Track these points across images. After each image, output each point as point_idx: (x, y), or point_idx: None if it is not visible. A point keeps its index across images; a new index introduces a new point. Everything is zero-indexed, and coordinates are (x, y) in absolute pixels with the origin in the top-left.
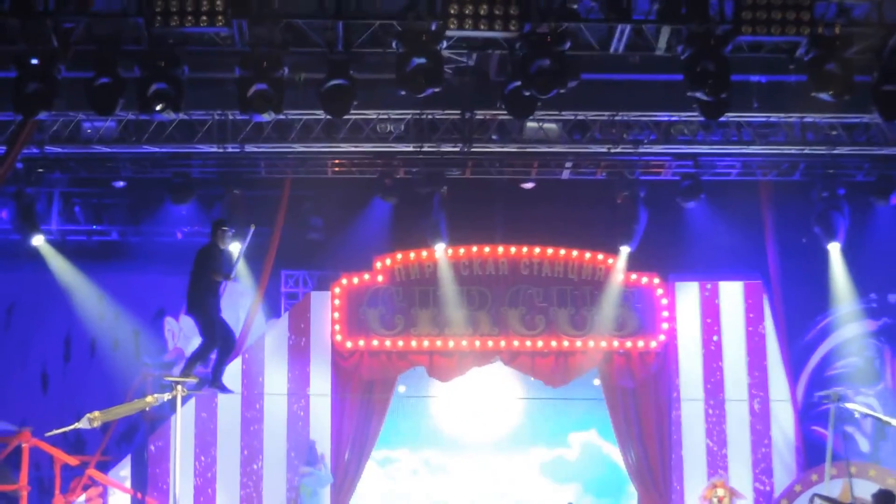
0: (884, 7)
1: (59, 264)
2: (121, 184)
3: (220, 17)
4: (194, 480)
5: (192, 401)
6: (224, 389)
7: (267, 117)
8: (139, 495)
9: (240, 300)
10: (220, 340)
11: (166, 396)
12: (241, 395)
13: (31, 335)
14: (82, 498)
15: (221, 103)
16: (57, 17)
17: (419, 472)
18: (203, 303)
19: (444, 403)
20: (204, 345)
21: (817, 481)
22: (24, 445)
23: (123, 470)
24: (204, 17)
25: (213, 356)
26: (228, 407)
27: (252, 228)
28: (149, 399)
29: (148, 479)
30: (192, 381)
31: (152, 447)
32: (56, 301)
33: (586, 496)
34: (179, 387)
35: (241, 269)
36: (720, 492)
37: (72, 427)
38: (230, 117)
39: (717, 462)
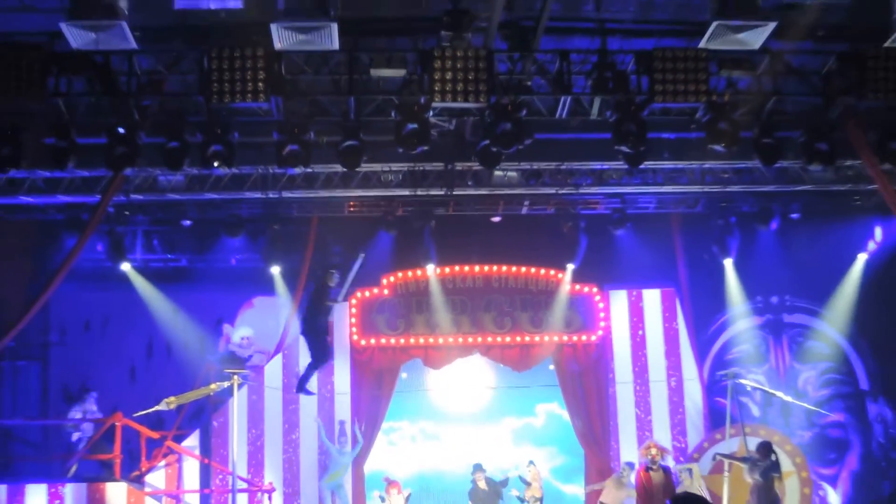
0: (762, 81)
1: (142, 285)
2: (188, 223)
3: (261, 95)
4: (247, 448)
5: (245, 388)
6: (307, 392)
7: (298, 170)
8: (206, 461)
9: (280, 311)
10: (321, 356)
11: (226, 384)
12: (282, 384)
13: (121, 339)
14: (162, 463)
15: (263, 160)
16: (138, 97)
17: (416, 438)
18: (316, 328)
19: (437, 386)
20: (312, 364)
21: (720, 439)
22: (117, 424)
23: (193, 441)
24: (249, 95)
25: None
26: (273, 392)
27: (362, 256)
28: (212, 386)
29: (212, 448)
30: (245, 373)
31: (215, 423)
32: (140, 313)
33: (548, 453)
34: (236, 377)
35: (280, 286)
36: (653, 451)
37: (153, 409)
38: (270, 171)
39: (644, 427)
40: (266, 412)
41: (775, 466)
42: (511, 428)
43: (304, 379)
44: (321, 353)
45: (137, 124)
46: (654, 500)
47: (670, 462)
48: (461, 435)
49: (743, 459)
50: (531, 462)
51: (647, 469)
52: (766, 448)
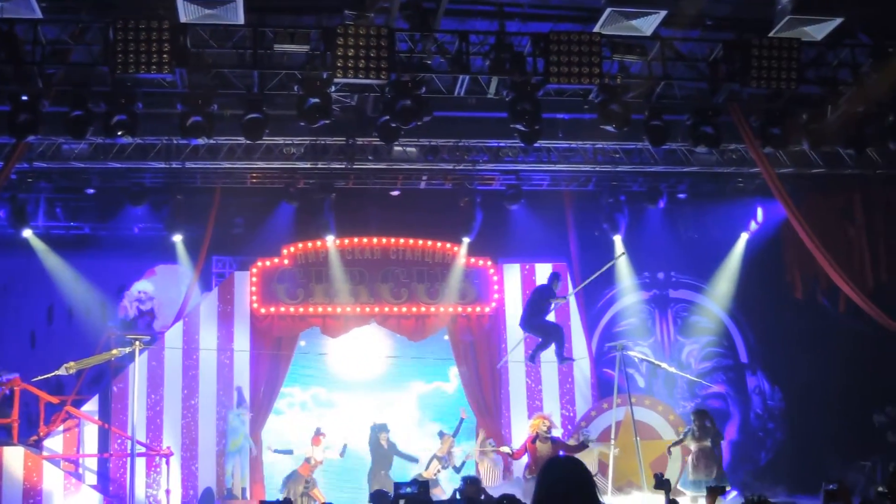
0: (652, 65)
1: (43, 252)
2: (91, 191)
3: (166, 67)
4: (146, 413)
5: (146, 354)
6: (568, 359)
7: (201, 141)
8: (105, 425)
9: (181, 279)
10: (554, 334)
11: (127, 350)
12: (181, 349)
13: (21, 305)
14: (60, 428)
15: (167, 131)
16: (42, 65)
17: (308, 405)
18: (536, 322)
19: (336, 353)
20: (542, 342)
21: (607, 408)
22: (16, 389)
23: (92, 406)
24: (154, 66)
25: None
26: (172, 358)
27: (621, 255)
28: (113, 352)
29: (111, 413)
30: (146, 338)
31: (115, 388)
32: (41, 280)
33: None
34: (137, 343)
35: (182, 254)
36: (546, 423)
37: (53, 374)
38: (174, 142)
39: (534, 395)
40: (166, 378)
41: (719, 434)
42: (411, 394)
43: (536, 352)
44: (555, 332)
45: (41, 92)
46: None
47: (559, 434)
48: (356, 402)
49: (685, 434)
50: (441, 433)
51: (535, 441)
52: (704, 413)
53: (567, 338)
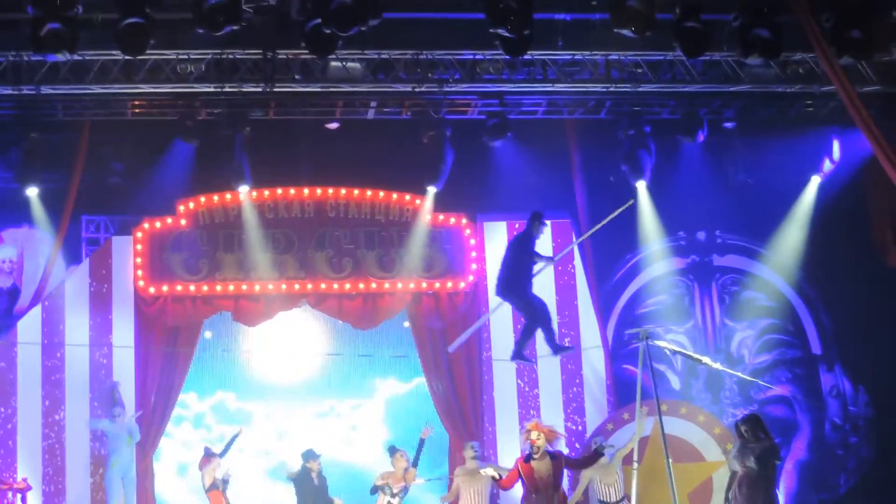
0: None
1: None
2: None
3: None
4: None
5: None
6: (527, 360)
7: (61, 57)
8: None
9: (39, 247)
10: (541, 313)
11: None
12: (40, 345)
13: None
14: None
15: (15, 44)
16: None
17: (206, 418)
18: (518, 286)
19: (252, 348)
20: (527, 326)
21: (628, 420)
22: None
23: None
24: None
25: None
26: (28, 356)
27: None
28: None
29: None
30: None
31: None
32: None
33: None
34: None
35: (39, 214)
36: (533, 435)
37: None
38: (25, 58)
39: (528, 403)
40: (20, 385)
41: (774, 449)
42: (376, 401)
43: (519, 345)
44: (540, 311)
45: None
46: (542, 494)
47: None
48: (278, 415)
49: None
50: (392, 448)
51: (528, 459)
52: (755, 422)
53: (572, 322)
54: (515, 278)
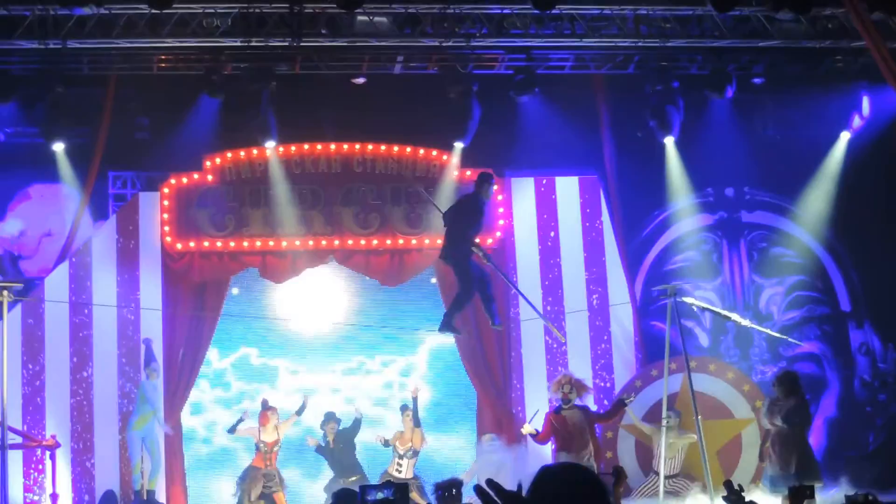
0: None
1: None
2: None
3: None
4: (22, 390)
5: (18, 308)
6: (455, 331)
7: (88, 10)
8: None
9: (66, 203)
10: (477, 283)
11: None
12: (68, 302)
13: None
14: None
15: None
16: None
17: (237, 374)
18: (458, 251)
19: (279, 304)
20: (460, 295)
21: (657, 376)
22: None
23: None
24: None
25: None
26: (56, 313)
27: None
28: None
29: None
30: (18, 286)
31: None
32: None
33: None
34: (5, 293)
35: (65, 169)
36: (566, 387)
37: None
38: (50, 12)
39: (556, 360)
40: (48, 342)
41: (800, 409)
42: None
43: (451, 314)
44: (478, 281)
45: None
46: (575, 442)
47: (591, 403)
48: (309, 373)
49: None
50: (404, 406)
51: (558, 411)
52: (788, 379)
53: (600, 279)
54: (457, 243)
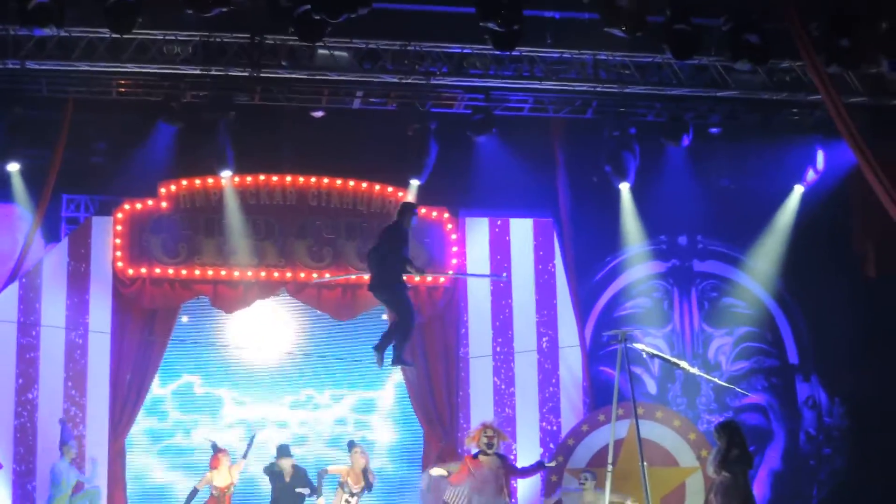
0: None
1: None
2: None
3: None
4: None
5: None
6: (408, 363)
7: (48, 31)
8: None
9: (18, 224)
10: (407, 318)
11: None
12: (16, 323)
13: None
14: None
15: (1, 18)
16: None
17: (175, 402)
18: (393, 276)
19: (229, 334)
20: (401, 324)
21: (604, 421)
22: None
23: None
24: None
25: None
26: (3, 333)
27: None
28: None
29: None
30: None
31: None
32: None
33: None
34: None
35: (19, 190)
36: (489, 432)
37: None
38: (10, 32)
39: (504, 401)
40: None
41: (743, 458)
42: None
43: (399, 351)
44: (404, 312)
45: None
46: (490, 486)
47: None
48: (253, 405)
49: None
50: (351, 442)
51: (476, 455)
52: (731, 429)
53: (550, 321)
54: (387, 274)
